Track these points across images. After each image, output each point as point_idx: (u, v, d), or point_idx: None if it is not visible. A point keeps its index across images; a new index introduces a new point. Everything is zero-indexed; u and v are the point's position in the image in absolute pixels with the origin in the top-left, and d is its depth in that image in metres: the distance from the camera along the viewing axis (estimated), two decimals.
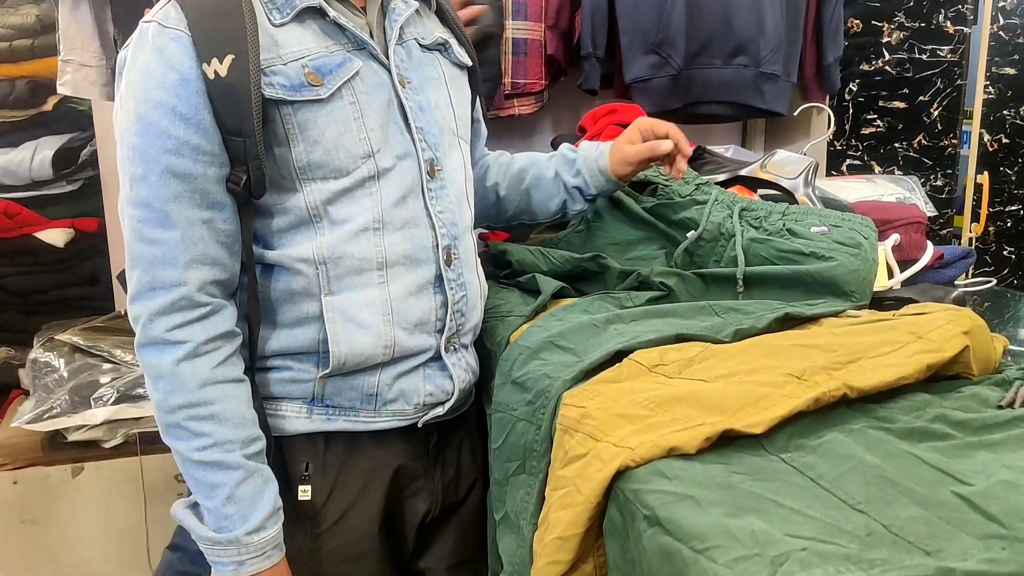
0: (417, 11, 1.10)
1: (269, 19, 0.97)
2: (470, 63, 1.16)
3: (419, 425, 1.06)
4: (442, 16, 1.16)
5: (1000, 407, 0.79)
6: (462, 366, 1.08)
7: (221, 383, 0.96)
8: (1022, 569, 0.53)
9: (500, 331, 1.13)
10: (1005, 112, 2.49)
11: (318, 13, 0.99)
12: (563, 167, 1.27)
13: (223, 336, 0.97)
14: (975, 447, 0.72)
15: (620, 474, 0.70)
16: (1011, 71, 2.46)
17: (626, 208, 1.31)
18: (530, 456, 0.89)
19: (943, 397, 0.81)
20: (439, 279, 1.04)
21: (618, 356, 0.91)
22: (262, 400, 1.01)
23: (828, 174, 2.36)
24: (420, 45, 1.08)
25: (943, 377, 0.86)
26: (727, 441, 0.73)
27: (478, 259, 1.13)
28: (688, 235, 1.19)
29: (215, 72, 0.91)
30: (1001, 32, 2.41)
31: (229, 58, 0.92)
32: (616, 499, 0.69)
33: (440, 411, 1.07)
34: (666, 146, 1.18)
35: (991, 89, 2.44)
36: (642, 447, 0.69)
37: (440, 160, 1.05)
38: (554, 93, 2.07)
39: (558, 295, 1.18)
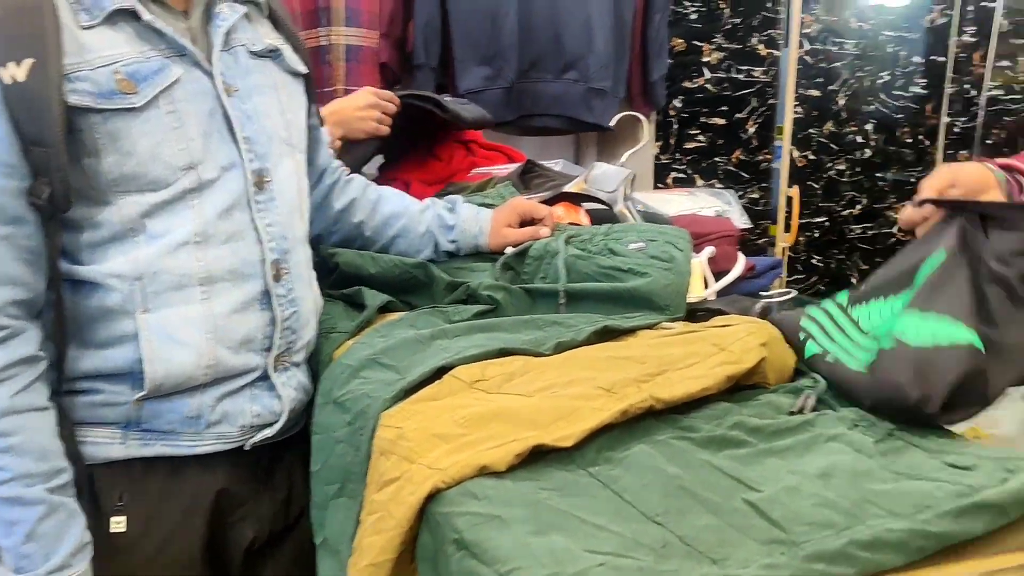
0: (247, 16, 1.05)
1: (77, 21, 0.91)
2: (304, 70, 1.13)
3: (246, 448, 1.02)
4: (275, 22, 1.12)
5: (792, 413, 0.84)
6: (292, 385, 1.05)
7: (21, 412, 0.89)
8: (797, 572, 0.57)
9: (324, 348, 1.11)
10: (811, 130, 2.68)
11: (132, 16, 0.93)
12: (438, 229, 1.28)
13: (24, 361, 0.90)
14: (767, 453, 0.76)
15: (433, 496, 0.70)
16: (816, 92, 2.66)
17: None
18: (350, 479, 0.87)
19: (742, 405, 0.86)
20: (266, 295, 1.01)
21: (440, 373, 0.91)
22: (72, 425, 0.95)
23: (655, 187, 2.46)
24: (249, 52, 1.04)
25: (744, 386, 0.91)
26: (540, 456, 0.74)
27: (312, 272, 1.10)
28: (506, 251, 1.21)
29: (12, 77, 0.85)
30: (807, 56, 2.60)
31: (28, 62, 0.86)
32: (428, 522, 0.69)
33: (269, 432, 1.03)
34: (545, 232, 1.24)
35: (799, 109, 2.63)
36: (454, 467, 0.70)
37: (269, 171, 1.01)
38: None
39: (385, 309, 1.17)
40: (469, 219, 1.28)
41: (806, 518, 0.63)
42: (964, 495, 0.65)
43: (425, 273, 1.19)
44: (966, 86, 2.81)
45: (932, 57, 2.81)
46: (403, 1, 2.00)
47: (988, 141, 2.80)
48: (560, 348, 0.99)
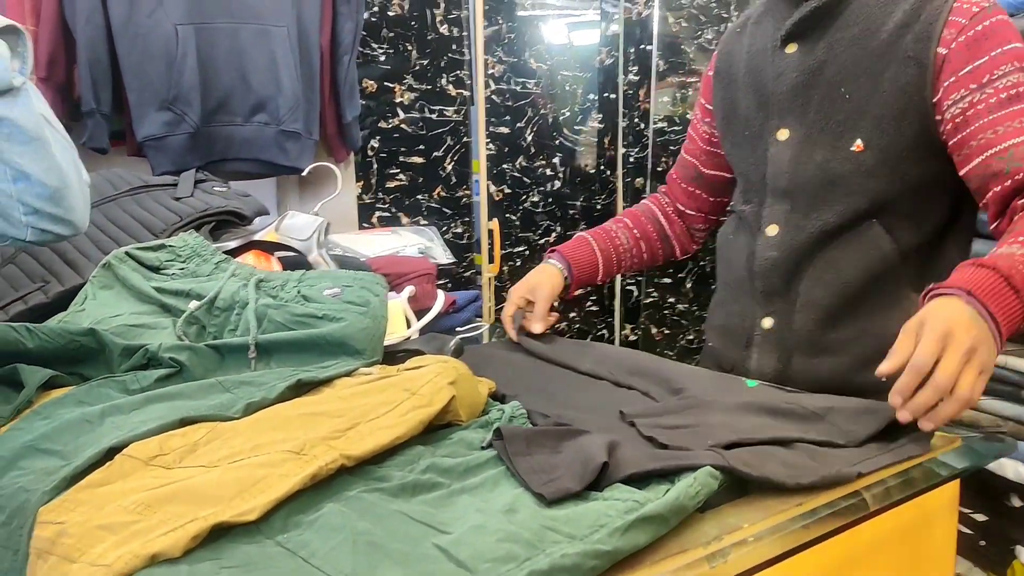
0: None
1: None
2: None
3: None
4: None
5: (483, 448, 0.87)
6: None
7: None
8: None
9: None
10: (505, 165, 2.82)
11: None
12: None
13: None
14: (459, 493, 0.77)
15: None
16: (505, 130, 2.80)
17: (132, 286, 1.22)
18: None
19: (435, 446, 0.87)
20: None
21: (113, 453, 0.83)
22: None
23: (360, 227, 2.46)
24: None
25: (439, 425, 0.92)
26: (225, 531, 0.69)
27: None
28: (190, 305, 1.14)
29: None
30: (494, 96, 2.74)
31: None
32: None
33: None
34: None
35: (491, 146, 2.76)
36: (120, 561, 0.63)
37: None
38: None
39: (49, 385, 1.05)
40: None
41: (490, 555, 0.64)
42: (632, 510, 0.69)
43: (95, 340, 1.08)
44: (636, 120, 3.11)
45: (605, 94, 3.08)
46: (64, 43, 1.84)
47: (659, 168, 3.11)
48: (251, 409, 0.94)
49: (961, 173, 1.17)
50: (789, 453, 0.86)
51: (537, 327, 1.37)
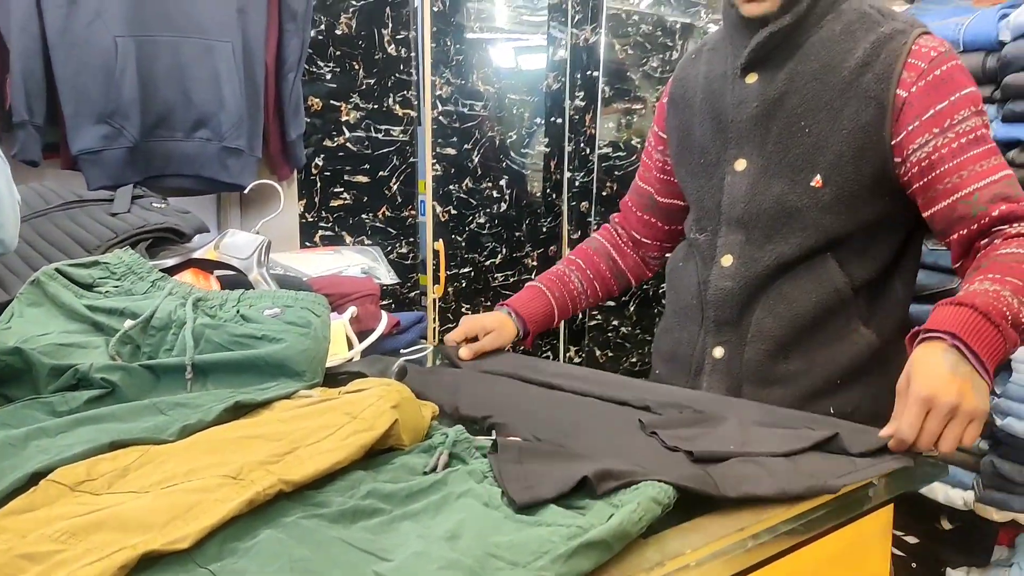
0: None
1: None
2: None
3: None
4: None
5: (425, 473, 0.85)
6: None
7: None
8: None
9: None
10: (451, 187, 2.82)
11: None
12: None
13: None
14: (400, 519, 0.76)
15: None
16: (452, 151, 2.80)
17: (63, 303, 1.18)
18: None
19: (377, 471, 0.85)
20: None
21: (38, 479, 0.79)
22: None
23: (303, 246, 2.42)
24: None
25: (380, 451, 0.90)
26: (155, 561, 0.67)
27: None
28: (124, 324, 1.11)
29: None
30: (441, 117, 2.74)
31: None
32: None
33: None
34: None
35: (438, 166, 2.75)
36: None
37: None
38: None
39: None
40: None
41: None
42: (575, 536, 0.69)
43: (21, 359, 1.04)
44: (582, 145, 3.13)
45: (551, 119, 3.10)
46: None
47: (604, 193, 3.14)
48: (187, 432, 0.91)
49: (926, 214, 1.21)
50: (781, 463, 0.89)
51: (465, 353, 1.42)
